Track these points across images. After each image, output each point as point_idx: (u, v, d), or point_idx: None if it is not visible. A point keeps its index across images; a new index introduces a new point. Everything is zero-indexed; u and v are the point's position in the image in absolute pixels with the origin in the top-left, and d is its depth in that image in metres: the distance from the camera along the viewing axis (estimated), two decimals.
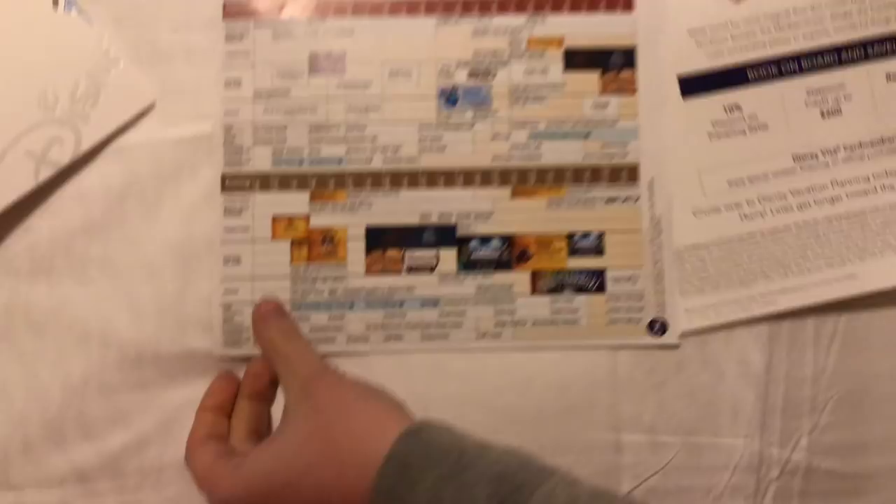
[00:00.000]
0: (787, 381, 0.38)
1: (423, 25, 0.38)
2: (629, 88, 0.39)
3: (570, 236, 0.38)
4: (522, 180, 0.38)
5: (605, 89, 0.39)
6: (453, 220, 0.38)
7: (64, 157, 0.36)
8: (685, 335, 0.38)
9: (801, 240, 0.39)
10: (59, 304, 0.37)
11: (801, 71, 0.39)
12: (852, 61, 0.39)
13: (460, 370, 0.38)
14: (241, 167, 0.38)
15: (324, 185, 0.38)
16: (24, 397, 0.36)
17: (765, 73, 0.39)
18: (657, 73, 0.39)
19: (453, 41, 0.39)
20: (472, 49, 0.39)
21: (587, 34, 0.39)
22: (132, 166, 0.37)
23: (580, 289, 0.38)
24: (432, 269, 0.38)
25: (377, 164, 0.38)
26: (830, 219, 0.39)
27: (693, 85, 0.39)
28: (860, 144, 0.39)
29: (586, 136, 0.39)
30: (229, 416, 0.34)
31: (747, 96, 0.39)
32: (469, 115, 0.38)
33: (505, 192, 0.38)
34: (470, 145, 0.38)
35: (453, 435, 0.29)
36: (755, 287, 0.38)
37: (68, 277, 0.37)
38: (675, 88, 0.39)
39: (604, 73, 0.39)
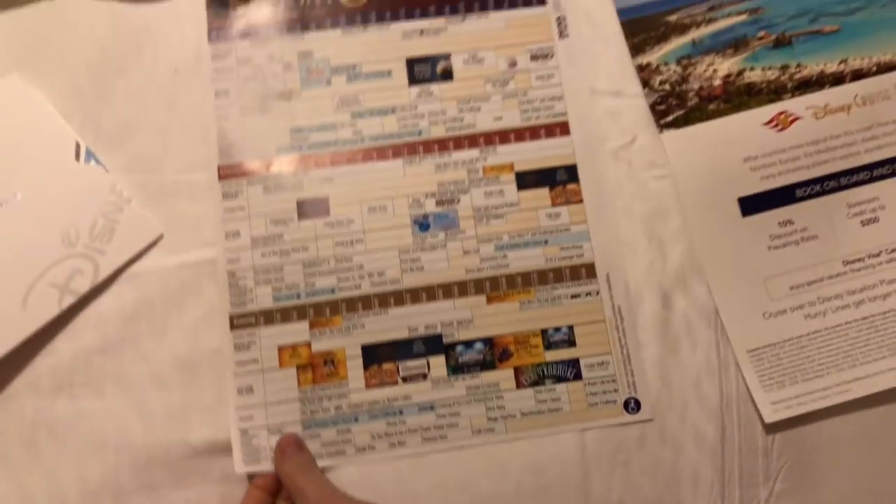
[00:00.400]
0: (740, 453, 0.41)
1: (393, 167, 0.44)
2: (576, 199, 0.44)
3: (543, 332, 0.42)
4: (495, 287, 0.43)
5: (555, 202, 0.44)
6: (438, 330, 0.42)
7: (84, 285, 0.41)
8: (772, 428, 0.41)
9: (862, 333, 0.42)
10: (79, 417, 0.40)
11: (840, 188, 0.44)
12: (883, 177, 0.44)
13: (444, 459, 0.41)
14: (246, 306, 0.42)
15: (321, 313, 0.42)
16: (46, 502, 0.39)
17: (810, 191, 0.44)
18: (597, 182, 0.45)
19: (420, 177, 0.44)
20: (436, 182, 0.44)
21: (533, 158, 0.45)
22: (143, 291, 0.42)
23: (559, 378, 0.42)
24: (425, 376, 0.42)
25: (366, 288, 0.43)
26: (885, 313, 0.42)
27: (750, 205, 0.44)
28: None
29: (545, 243, 0.44)
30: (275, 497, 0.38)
31: (797, 212, 0.44)
32: (441, 236, 0.44)
33: (481, 299, 0.43)
34: (445, 262, 0.43)
35: None
36: (829, 378, 0.41)
37: (87, 392, 0.40)
38: (736, 209, 0.44)
39: (552, 188, 0.45)
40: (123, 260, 0.42)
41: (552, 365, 0.42)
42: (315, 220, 0.43)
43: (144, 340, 0.41)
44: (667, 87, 0.46)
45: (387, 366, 0.42)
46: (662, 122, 0.46)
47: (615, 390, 0.42)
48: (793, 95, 0.46)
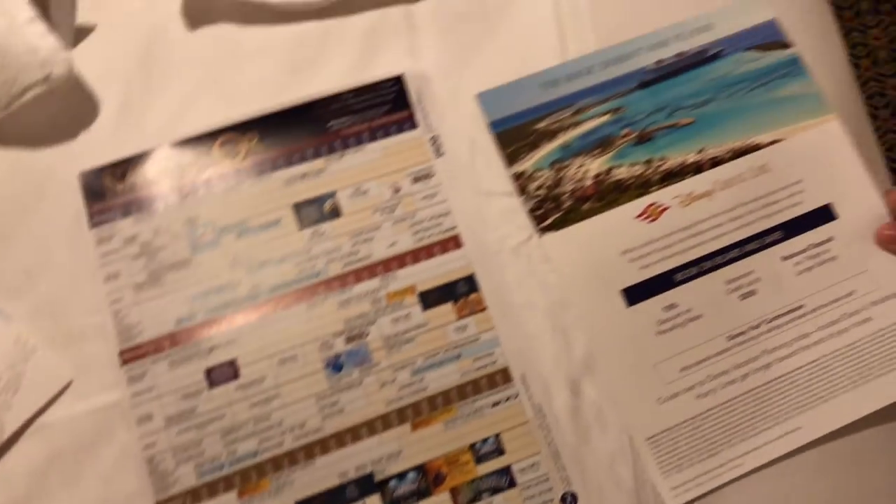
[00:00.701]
0: None
1: (296, 313, 0.45)
2: (479, 308, 0.46)
3: (472, 447, 0.43)
4: (417, 413, 0.44)
5: (460, 314, 0.46)
6: (369, 469, 0.42)
7: None
8: None
9: (748, 406, 0.44)
10: None
11: (716, 266, 0.46)
12: (753, 251, 0.46)
13: None
14: (170, 490, 0.41)
15: (247, 479, 0.42)
16: None
17: (688, 274, 0.46)
18: (498, 286, 0.46)
19: (325, 318, 0.45)
20: (342, 319, 0.45)
21: (433, 276, 0.46)
22: (52, 442, 0.41)
23: (495, 490, 0.43)
24: None
25: (289, 444, 0.43)
26: (768, 382, 0.44)
27: (634, 294, 0.46)
28: (776, 317, 0.46)
29: (458, 357, 0.45)
30: None
31: (679, 295, 0.46)
32: (356, 374, 0.44)
33: (405, 428, 0.43)
34: (363, 399, 0.44)
35: None
36: (722, 455, 0.43)
37: None
38: (621, 300, 0.46)
39: (455, 301, 0.46)
40: (31, 412, 0.41)
41: (486, 478, 0.43)
42: (226, 385, 0.43)
43: (56, 495, 0.40)
44: (542, 191, 0.48)
45: None
46: (541, 226, 0.48)
47: (550, 489, 0.43)
48: (659, 187, 0.49)
